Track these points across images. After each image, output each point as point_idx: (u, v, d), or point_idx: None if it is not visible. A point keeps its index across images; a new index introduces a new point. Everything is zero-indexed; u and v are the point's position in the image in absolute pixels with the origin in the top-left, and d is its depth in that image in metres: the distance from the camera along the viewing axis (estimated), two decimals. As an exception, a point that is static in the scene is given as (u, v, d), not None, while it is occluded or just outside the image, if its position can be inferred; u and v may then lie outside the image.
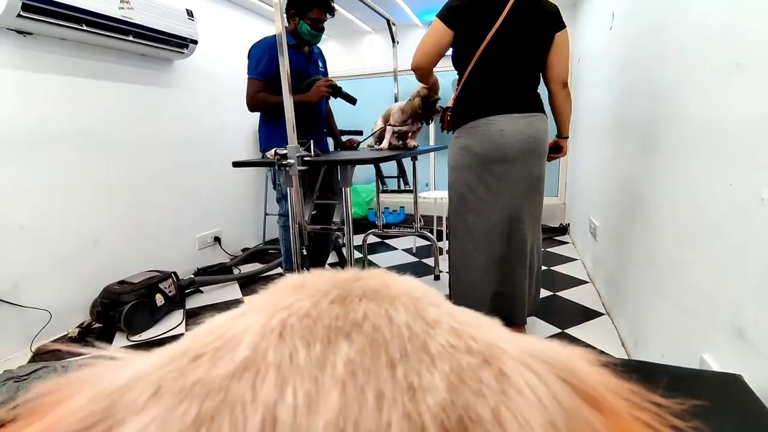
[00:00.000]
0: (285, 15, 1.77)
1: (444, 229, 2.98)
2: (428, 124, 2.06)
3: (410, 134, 2.06)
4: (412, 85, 2.08)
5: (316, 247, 2.07)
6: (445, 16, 1.52)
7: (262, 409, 0.15)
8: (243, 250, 3.23)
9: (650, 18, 1.53)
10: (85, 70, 2.12)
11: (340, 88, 1.98)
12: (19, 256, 1.85)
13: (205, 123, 2.90)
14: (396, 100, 2.72)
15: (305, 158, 1.46)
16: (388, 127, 2.00)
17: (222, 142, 3.08)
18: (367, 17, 3.65)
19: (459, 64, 1.60)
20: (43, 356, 1.81)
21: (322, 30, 2.05)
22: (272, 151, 1.62)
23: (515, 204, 1.58)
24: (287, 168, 1.43)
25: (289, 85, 1.39)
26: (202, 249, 2.91)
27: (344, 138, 2.54)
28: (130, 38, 2.17)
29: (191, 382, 0.16)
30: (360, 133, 2.51)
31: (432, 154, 4.10)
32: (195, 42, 2.53)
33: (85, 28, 1.94)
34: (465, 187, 1.58)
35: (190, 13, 2.47)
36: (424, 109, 1.91)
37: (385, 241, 3.59)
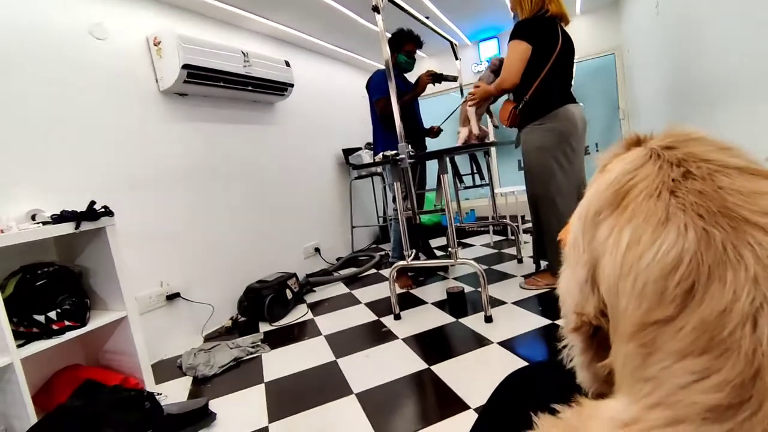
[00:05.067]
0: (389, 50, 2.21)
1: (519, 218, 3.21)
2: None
3: (484, 108, 2.41)
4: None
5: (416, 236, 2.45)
6: (525, 35, 1.99)
7: None
8: (337, 259, 3.67)
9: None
10: (217, 117, 2.70)
11: (440, 75, 2.44)
12: (189, 263, 2.38)
13: (299, 153, 3.44)
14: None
15: (411, 153, 1.85)
16: (470, 111, 2.36)
17: (314, 164, 3.61)
18: (425, 46, 4.11)
19: (529, 70, 2.01)
20: (210, 341, 2.29)
21: (414, 59, 2.61)
22: (380, 155, 2.02)
23: (582, 169, 2.08)
24: (399, 162, 1.82)
25: (397, 98, 1.83)
26: (307, 258, 3.38)
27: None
28: (249, 88, 2.74)
29: None
30: (435, 131, 2.88)
31: (494, 153, 4.39)
32: (292, 85, 3.08)
33: (222, 84, 2.52)
34: (552, 160, 1.99)
35: (287, 63, 3.04)
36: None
37: (463, 240, 3.88)
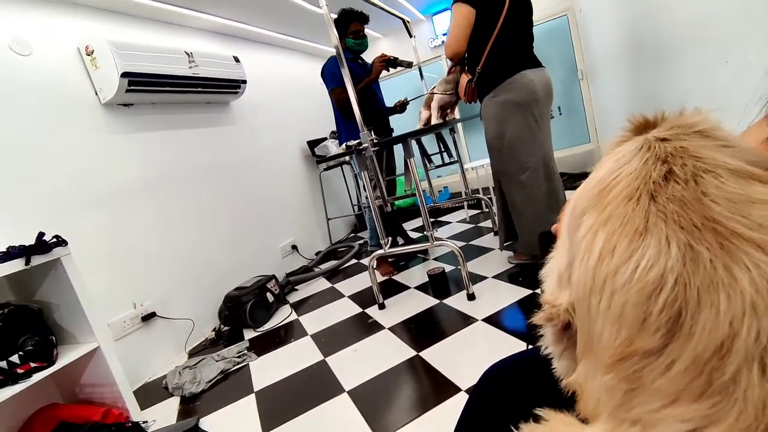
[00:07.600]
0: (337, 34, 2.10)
1: (491, 190, 3.23)
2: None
3: (450, 109, 2.35)
4: (435, 74, 2.40)
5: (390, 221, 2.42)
6: None
7: None
8: (316, 254, 3.62)
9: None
10: (170, 124, 2.56)
11: (394, 59, 2.33)
12: (162, 279, 2.29)
13: (263, 151, 3.33)
14: (425, 89, 3.02)
15: (374, 140, 1.80)
16: (435, 97, 2.30)
17: (279, 161, 3.51)
18: (376, 25, 4.00)
19: (478, 37, 1.90)
20: (195, 356, 2.22)
21: (364, 38, 2.47)
22: (343, 146, 1.96)
23: (547, 143, 1.95)
24: (363, 152, 1.77)
25: (352, 86, 1.75)
26: (285, 257, 3.32)
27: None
28: (198, 90, 2.61)
29: None
30: (400, 105, 2.79)
31: (461, 129, 4.38)
32: (245, 82, 2.95)
33: (168, 89, 2.39)
34: (513, 135, 1.90)
35: (236, 59, 2.90)
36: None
37: (439, 219, 3.89)
